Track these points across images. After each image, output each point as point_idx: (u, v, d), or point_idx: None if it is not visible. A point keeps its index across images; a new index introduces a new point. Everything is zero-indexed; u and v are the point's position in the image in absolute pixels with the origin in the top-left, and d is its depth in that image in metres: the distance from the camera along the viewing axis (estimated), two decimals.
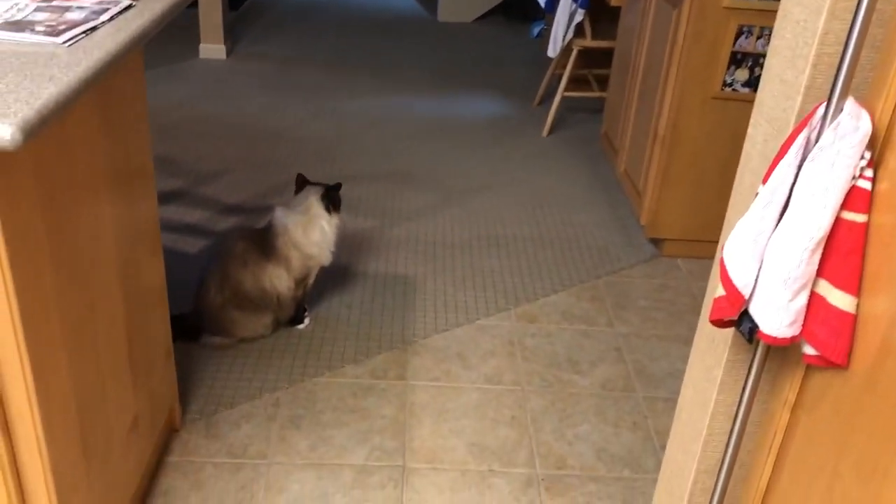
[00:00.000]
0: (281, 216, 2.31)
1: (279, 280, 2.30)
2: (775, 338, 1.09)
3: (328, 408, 2.13)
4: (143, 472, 1.79)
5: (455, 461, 2.00)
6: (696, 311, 2.63)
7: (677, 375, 2.35)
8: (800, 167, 1.06)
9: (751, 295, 1.12)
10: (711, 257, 1.37)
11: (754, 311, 1.12)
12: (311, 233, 2.31)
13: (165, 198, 3.11)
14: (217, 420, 2.07)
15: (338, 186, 2.34)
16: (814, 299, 1.07)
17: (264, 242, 2.29)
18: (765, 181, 1.10)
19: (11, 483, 1.24)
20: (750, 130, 1.27)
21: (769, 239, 1.09)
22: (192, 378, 2.20)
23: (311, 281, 2.42)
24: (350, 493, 1.88)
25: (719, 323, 1.20)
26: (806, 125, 1.06)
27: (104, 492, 1.52)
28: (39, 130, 1.02)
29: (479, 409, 2.17)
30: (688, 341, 2.50)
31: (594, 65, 4.12)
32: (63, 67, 1.16)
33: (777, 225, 1.08)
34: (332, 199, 2.33)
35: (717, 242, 1.32)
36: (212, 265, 2.29)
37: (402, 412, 2.14)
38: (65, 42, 1.26)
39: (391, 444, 2.03)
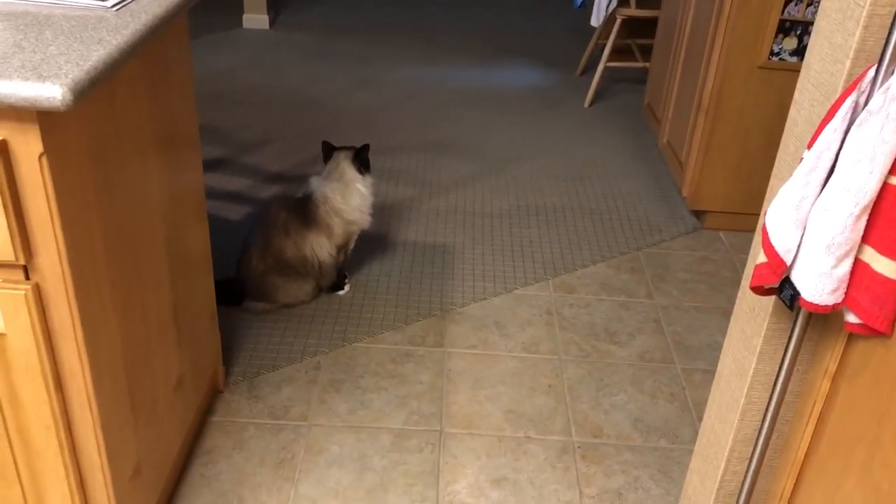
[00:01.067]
0: (318, 185, 2.33)
1: (320, 248, 2.33)
2: (817, 305, 1.08)
3: (367, 372, 2.17)
4: (188, 431, 1.85)
5: (491, 427, 2.02)
6: (737, 285, 2.60)
7: (716, 347, 2.33)
8: (846, 132, 1.04)
9: (793, 261, 1.11)
10: (754, 230, 1.35)
11: (796, 277, 1.10)
12: (351, 198, 2.33)
13: (209, 166, 3.16)
14: (259, 382, 2.11)
15: (366, 147, 2.35)
16: (858, 266, 1.06)
17: (305, 212, 2.32)
18: (810, 146, 1.08)
19: (64, 437, 1.29)
20: (796, 95, 1.24)
21: (813, 205, 1.07)
22: (236, 341, 2.25)
23: (351, 247, 2.45)
24: (388, 455, 1.91)
25: (760, 290, 1.19)
26: (854, 89, 1.03)
27: (150, 448, 1.57)
28: (89, 92, 1.05)
29: (515, 376, 2.19)
30: (728, 314, 2.47)
31: (638, 34, 4.05)
32: (111, 30, 1.18)
33: (821, 191, 1.06)
34: (362, 161, 2.35)
35: (760, 215, 1.30)
36: (254, 233, 2.33)
37: (440, 378, 2.16)
38: (113, 6, 1.29)
39: (429, 409, 2.06)
